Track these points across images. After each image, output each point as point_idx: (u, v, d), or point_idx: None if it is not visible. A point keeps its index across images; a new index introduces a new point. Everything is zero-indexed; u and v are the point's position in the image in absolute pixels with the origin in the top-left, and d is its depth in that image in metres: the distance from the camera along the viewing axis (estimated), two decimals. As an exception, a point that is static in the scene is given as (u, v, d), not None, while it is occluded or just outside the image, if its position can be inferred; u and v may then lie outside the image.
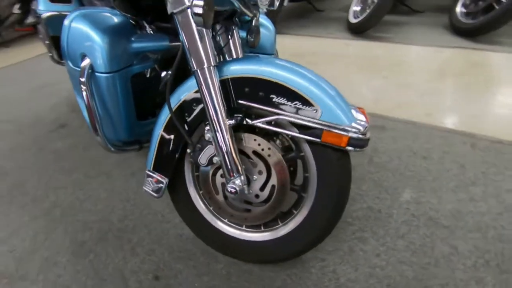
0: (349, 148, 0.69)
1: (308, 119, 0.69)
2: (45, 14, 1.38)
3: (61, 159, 1.50)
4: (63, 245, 1.07)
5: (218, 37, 0.92)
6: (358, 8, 2.74)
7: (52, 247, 1.06)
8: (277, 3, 0.94)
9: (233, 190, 0.74)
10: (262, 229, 0.90)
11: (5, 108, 2.06)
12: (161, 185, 0.85)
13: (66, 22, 0.80)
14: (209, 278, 0.93)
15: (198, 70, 0.69)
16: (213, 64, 0.69)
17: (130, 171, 1.38)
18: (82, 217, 1.17)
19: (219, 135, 0.72)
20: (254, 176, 0.80)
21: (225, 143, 0.72)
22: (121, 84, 0.81)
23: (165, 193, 0.87)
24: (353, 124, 0.68)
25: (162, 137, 0.82)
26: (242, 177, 0.75)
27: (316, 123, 0.69)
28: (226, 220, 0.91)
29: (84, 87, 0.76)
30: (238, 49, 0.93)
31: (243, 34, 0.98)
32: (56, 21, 1.39)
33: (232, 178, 0.75)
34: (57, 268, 0.99)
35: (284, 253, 0.88)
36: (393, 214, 1.07)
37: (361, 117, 0.72)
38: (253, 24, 0.97)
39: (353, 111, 0.72)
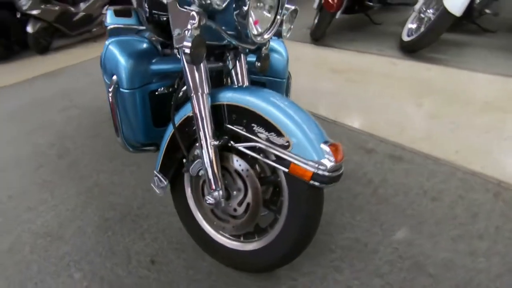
0: (313, 182, 0.74)
1: (280, 150, 0.77)
2: (110, 26, 1.66)
3: (108, 146, 1.80)
4: (92, 219, 1.32)
5: (228, 61, 1.02)
6: (413, 26, 2.59)
7: (85, 219, 1.32)
8: (286, 34, 1.01)
9: (210, 202, 0.86)
10: (242, 239, 1.00)
11: (81, 95, 2.50)
12: (163, 185, 1.01)
13: (106, 43, 1.01)
14: (194, 272, 1.07)
15: (192, 96, 0.82)
16: (205, 92, 0.81)
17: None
18: (111, 198, 1.42)
19: (204, 152, 0.84)
20: (234, 192, 0.91)
21: (208, 160, 0.84)
22: (140, 98, 0.99)
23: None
24: (321, 160, 0.73)
25: (167, 146, 0.98)
26: (221, 192, 0.86)
27: (286, 154, 0.76)
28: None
29: (110, 99, 0.96)
30: (244, 74, 1.00)
31: (253, 58, 1.06)
32: (118, 32, 1.67)
33: (212, 191, 0.87)
34: (84, 237, 1.23)
35: (256, 265, 0.97)
36: (379, 251, 1.07)
37: (330, 154, 0.75)
38: (262, 51, 1.05)
39: (323, 147, 0.75)
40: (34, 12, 3.35)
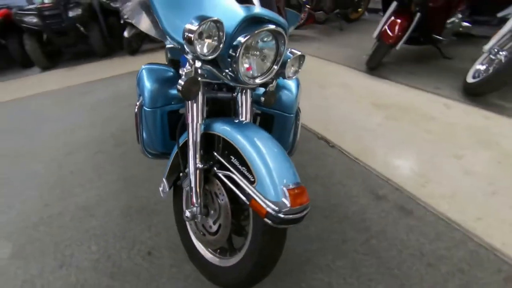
0: (267, 220, 0.82)
1: (246, 184, 0.86)
2: (168, 46, 1.96)
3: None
4: (120, 204, 1.59)
5: (237, 93, 1.13)
6: (482, 67, 2.32)
7: (115, 203, 1.60)
8: (292, 76, 1.07)
9: (187, 215, 1.00)
10: (217, 254, 1.12)
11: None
12: (165, 190, 1.19)
13: (141, 67, 1.23)
14: (177, 271, 1.23)
15: (188, 123, 0.97)
16: (198, 122, 0.96)
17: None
18: (139, 190, 1.68)
19: (191, 172, 0.99)
20: (212, 212, 1.04)
21: (193, 179, 0.98)
22: (159, 116, 1.18)
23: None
24: (278, 201, 0.80)
25: (173, 160, 1.16)
26: (197, 209, 1.00)
27: (250, 189, 0.85)
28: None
29: (136, 113, 1.18)
30: (247, 107, 1.07)
31: (259, 92, 1.14)
32: (174, 49, 1.95)
33: (191, 206, 1.01)
34: (109, 217, 1.51)
35: (222, 281, 1.07)
36: (347, 301, 1.06)
37: (287, 197, 0.81)
38: (268, 87, 1.09)
39: (284, 189, 0.81)
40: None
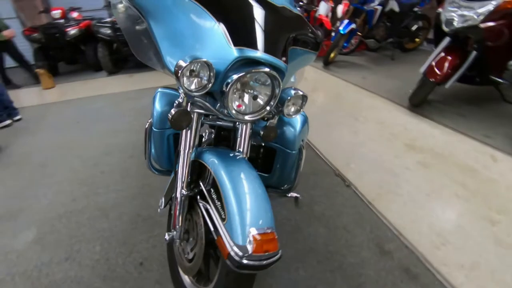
0: (228, 262, 0.81)
1: (218, 220, 0.87)
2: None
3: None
4: (131, 210, 1.72)
5: (237, 124, 1.11)
6: (546, 119, 1.99)
7: (127, 208, 1.74)
8: (292, 115, 1.07)
9: (166, 238, 1.04)
10: (194, 280, 1.13)
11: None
12: (161, 207, 1.26)
13: (157, 90, 1.33)
14: (159, 287, 1.27)
15: (179, 150, 1.02)
16: (189, 151, 1.00)
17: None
18: (151, 200, 1.80)
19: (177, 197, 1.03)
20: (191, 239, 1.06)
21: (178, 204, 1.03)
22: (166, 137, 1.26)
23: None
24: (242, 245, 0.79)
25: (171, 180, 1.22)
26: (176, 233, 1.03)
27: (219, 226, 0.86)
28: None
29: (145, 132, 1.28)
30: (245, 140, 1.06)
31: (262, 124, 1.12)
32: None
33: (172, 230, 1.05)
34: (119, 221, 1.64)
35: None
36: None
37: (251, 243, 0.80)
38: (268, 122, 1.08)
39: (251, 234, 0.81)
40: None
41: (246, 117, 0.94)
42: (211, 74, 0.85)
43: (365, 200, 1.68)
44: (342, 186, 1.82)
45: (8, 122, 3.05)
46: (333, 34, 4.46)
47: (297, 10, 1.15)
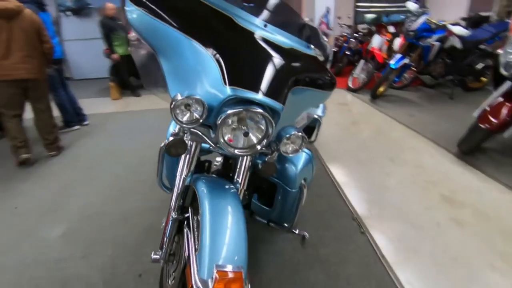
0: (191, 292, 0.83)
1: (191, 248, 0.90)
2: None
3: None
4: (145, 222, 1.84)
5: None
6: None
7: (142, 219, 1.86)
8: (290, 154, 1.06)
9: (151, 256, 1.09)
10: (175, 303, 1.16)
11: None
12: (163, 224, 1.33)
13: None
14: (150, 302, 1.32)
15: (177, 175, 1.10)
16: (183, 176, 1.07)
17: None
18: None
19: (168, 218, 1.09)
20: (174, 261, 1.10)
21: (167, 225, 1.09)
22: (176, 159, 1.35)
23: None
24: (204, 279, 0.80)
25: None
26: (162, 254, 1.08)
27: (192, 256, 0.88)
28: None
29: (159, 153, 1.38)
30: (243, 171, 1.11)
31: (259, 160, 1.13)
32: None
33: (159, 250, 1.10)
34: (136, 229, 1.77)
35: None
36: None
37: (213, 279, 0.81)
38: (268, 157, 1.08)
39: (217, 270, 0.81)
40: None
41: (236, 151, 0.95)
42: (204, 110, 0.89)
43: (378, 252, 1.53)
44: (357, 232, 1.70)
45: (77, 127, 3.57)
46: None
47: (311, 51, 1.16)
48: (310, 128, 2.20)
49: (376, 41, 4.53)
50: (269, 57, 1.01)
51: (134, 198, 2.08)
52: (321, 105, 2.20)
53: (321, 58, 1.25)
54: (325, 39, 4.03)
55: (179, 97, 0.86)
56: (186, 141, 0.99)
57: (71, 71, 6.68)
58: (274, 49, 1.03)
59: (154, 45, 1.01)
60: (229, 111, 0.86)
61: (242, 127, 0.94)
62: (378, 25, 5.09)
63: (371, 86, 4.25)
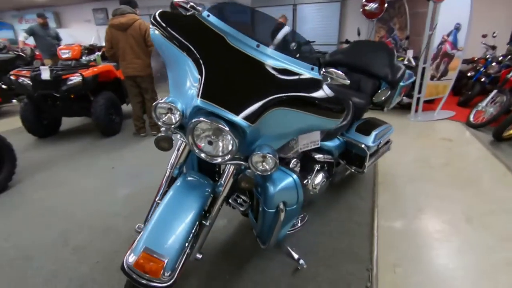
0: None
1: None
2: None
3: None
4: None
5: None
6: None
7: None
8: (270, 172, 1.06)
9: (135, 228, 1.33)
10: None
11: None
12: None
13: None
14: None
15: (167, 167, 1.29)
16: (171, 169, 1.23)
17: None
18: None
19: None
20: None
21: (152, 206, 1.30)
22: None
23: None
24: (132, 255, 0.97)
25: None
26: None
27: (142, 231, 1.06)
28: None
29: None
30: (226, 177, 1.17)
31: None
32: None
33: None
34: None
35: None
36: None
37: (137, 256, 0.96)
38: (246, 171, 1.09)
39: (142, 249, 0.96)
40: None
41: (202, 155, 1.03)
42: (178, 115, 1.03)
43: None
44: (361, 285, 1.45)
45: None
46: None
47: (314, 73, 1.12)
48: (360, 157, 1.99)
49: (520, 69, 3.46)
50: (250, 76, 1.06)
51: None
52: (373, 134, 1.96)
53: (345, 82, 1.17)
54: (406, 62, 3.47)
55: (160, 101, 1.03)
56: (174, 139, 1.13)
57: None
58: (258, 69, 1.07)
59: (163, 57, 1.22)
60: (193, 120, 0.98)
61: (212, 136, 1.02)
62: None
63: (495, 124, 3.32)
